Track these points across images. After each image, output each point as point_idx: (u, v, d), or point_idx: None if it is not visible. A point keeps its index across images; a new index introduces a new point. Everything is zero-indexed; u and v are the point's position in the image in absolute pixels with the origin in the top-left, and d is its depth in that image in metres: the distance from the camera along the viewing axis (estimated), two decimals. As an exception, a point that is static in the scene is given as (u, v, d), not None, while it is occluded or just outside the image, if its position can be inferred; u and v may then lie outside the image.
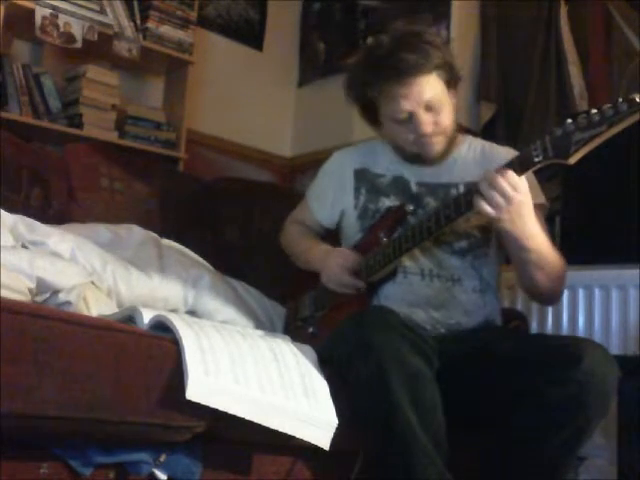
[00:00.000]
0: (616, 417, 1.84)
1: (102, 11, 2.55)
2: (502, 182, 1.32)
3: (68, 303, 1.41)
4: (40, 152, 2.07)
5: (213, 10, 3.11)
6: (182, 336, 1.19)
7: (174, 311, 1.67)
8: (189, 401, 1.13)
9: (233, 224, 2.30)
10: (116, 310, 1.51)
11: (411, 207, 1.64)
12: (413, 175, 1.67)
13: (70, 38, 2.43)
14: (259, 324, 1.81)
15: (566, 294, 2.30)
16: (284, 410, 1.22)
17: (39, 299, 1.42)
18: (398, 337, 1.29)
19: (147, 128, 2.70)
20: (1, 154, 1.83)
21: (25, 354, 1.05)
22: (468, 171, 1.63)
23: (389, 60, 1.53)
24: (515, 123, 2.66)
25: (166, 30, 2.71)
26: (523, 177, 1.35)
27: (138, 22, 2.66)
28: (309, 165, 2.94)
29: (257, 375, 1.22)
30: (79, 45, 2.45)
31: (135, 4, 2.67)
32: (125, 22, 2.60)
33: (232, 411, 1.17)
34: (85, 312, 1.42)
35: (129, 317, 1.32)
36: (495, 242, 1.64)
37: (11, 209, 1.62)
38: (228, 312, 1.77)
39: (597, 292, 2.32)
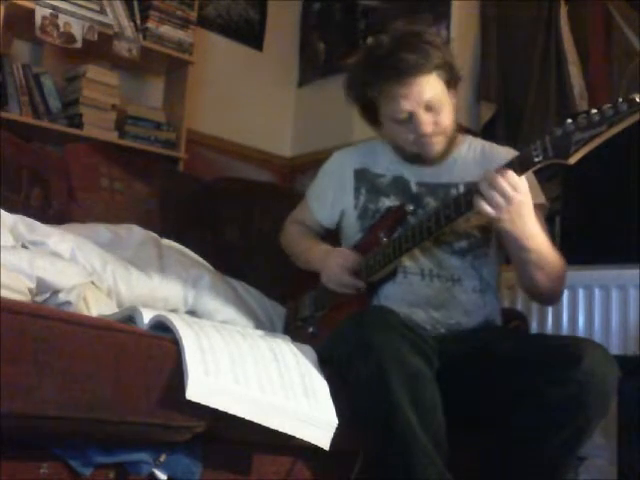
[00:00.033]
0: (616, 417, 1.83)
1: (102, 11, 2.55)
2: (502, 182, 1.32)
3: (68, 303, 1.41)
4: (40, 152, 2.07)
5: (213, 10, 3.11)
6: (182, 336, 1.19)
7: (174, 311, 1.67)
8: (189, 401, 1.13)
9: (233, 224, 2.30)
10: (116, 310, 1.51)
11: (411, 207, 1.64)
12: (413, 175, 1.67)
13: (70, 38, 2.43)
14: (259, 324, 1.81)
15: (566, 294, 2.30)
16: (284, 410, 1.22)
17: (39, 299, 1.42)
18: (398, 337, 1.29)
19: (147, 128, 2.70)
20: (1, 154, 1.83)
21: (25, 354, 1.05)
22: (468, 171, 1.63)
23: (389, 60, 1.53)
24: (515, 123, 2.65)
25: (166, 30, 2.71)
26: (523, 177, 1.35)
27: (138, 22, 2.66)
28: (309, 165, 2.93)
29: (257, 375, 1.22)
30: (79, 45, 2.45)
31: (135, 4, 2.67)
32: (125, 22, 2.60)
33: (232, 411, 1.17)
34: (85, 312, 1.42)
35: (129, 317, 1.32)
36: (495, 242, 1.64)
37: (11, 209, 1.62)
38: (228, 312, 1.77)
39: (597, 292, 2.32)
